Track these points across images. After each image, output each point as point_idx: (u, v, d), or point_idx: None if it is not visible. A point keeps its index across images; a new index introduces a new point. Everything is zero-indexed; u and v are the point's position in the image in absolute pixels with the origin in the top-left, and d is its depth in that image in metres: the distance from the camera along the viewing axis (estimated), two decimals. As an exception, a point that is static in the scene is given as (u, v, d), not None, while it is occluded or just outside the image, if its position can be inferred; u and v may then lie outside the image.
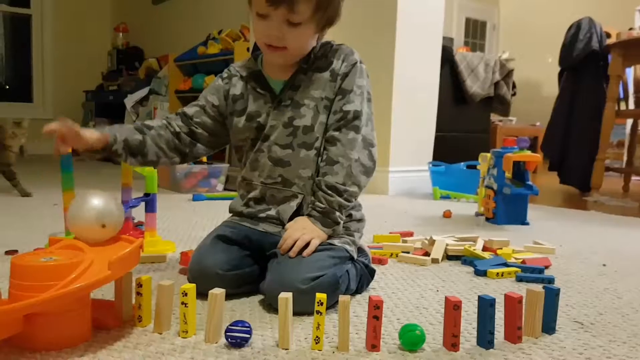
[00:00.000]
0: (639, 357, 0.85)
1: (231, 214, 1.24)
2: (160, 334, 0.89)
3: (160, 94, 4.40)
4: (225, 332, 0.85)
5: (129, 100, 4.55)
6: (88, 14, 5.81)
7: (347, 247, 1.11)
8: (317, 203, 1.09)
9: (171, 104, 4.28)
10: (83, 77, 5.62)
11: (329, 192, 1.08)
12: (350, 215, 1.17)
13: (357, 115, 1.11)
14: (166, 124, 1.18)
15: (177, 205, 2.41)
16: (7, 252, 1.42)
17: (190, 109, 1.21)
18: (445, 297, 0.87)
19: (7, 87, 5.69)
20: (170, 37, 5.11)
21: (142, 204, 1.49)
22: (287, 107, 1.14)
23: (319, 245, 1.07)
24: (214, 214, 2.16)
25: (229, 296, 0.92)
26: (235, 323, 0.85)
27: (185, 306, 0.87)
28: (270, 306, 1.02)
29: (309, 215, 1.10)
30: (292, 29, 1.06)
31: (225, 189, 2.92)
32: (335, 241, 1.10)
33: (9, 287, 0.83)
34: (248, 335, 0.85)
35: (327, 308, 0.99)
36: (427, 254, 1.48)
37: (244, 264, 1.10)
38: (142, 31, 5.59)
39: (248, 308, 1.03)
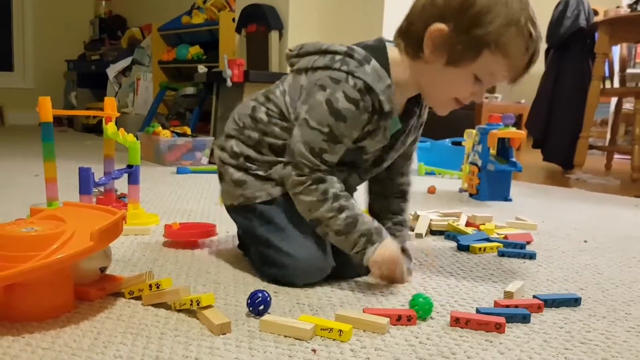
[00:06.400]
0: (617, 331, 0.86)
1: None
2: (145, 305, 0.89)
3: (143, 64, 4.33)
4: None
5: (112, 70, 4.49)
6: (70, -19, 5.67)
7: None
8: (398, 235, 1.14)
9: (154, 75, 4.22)
10: (65, 46, 5.50)
11: (405, 228, 1.18)
12: None
13: None
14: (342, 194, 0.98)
15: (161, 178, 2.39)
16: (-13, 223, 1.40)
17: (335, 156, 0.99)
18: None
19: (-14, 55, 5.56)
20: (154, 5, 5.01)
21: (125, 176, 1.48)
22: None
23: None
24: (198, 187, 2.15)
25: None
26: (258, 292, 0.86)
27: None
28: None
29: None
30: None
31: (210, 162, 2.89)
32: None
33: (-11, 257, 0.81)
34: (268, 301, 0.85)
35: None
36: (411, 229, 1.48)
37: None
38: (125, -1, 5.47)
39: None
